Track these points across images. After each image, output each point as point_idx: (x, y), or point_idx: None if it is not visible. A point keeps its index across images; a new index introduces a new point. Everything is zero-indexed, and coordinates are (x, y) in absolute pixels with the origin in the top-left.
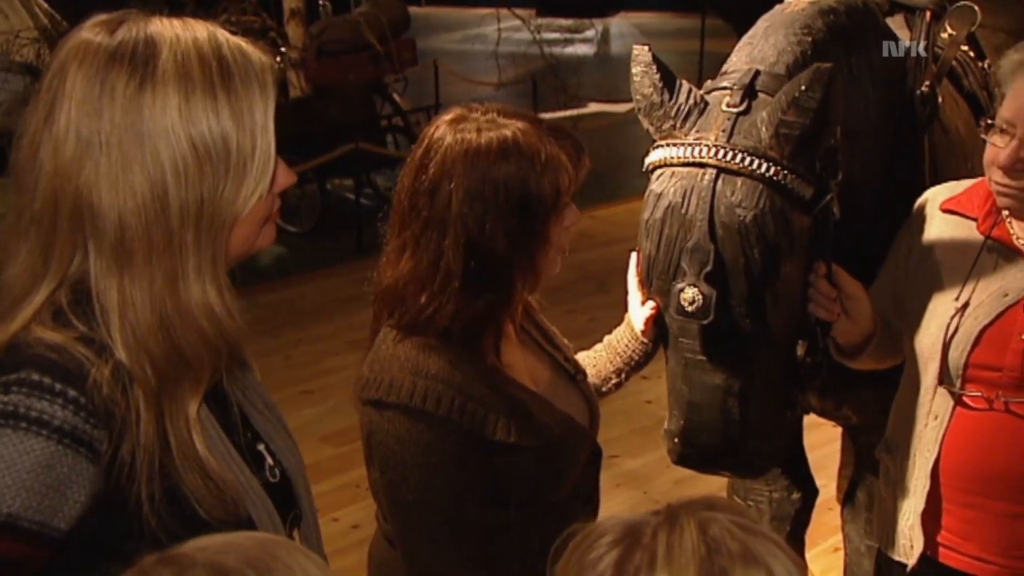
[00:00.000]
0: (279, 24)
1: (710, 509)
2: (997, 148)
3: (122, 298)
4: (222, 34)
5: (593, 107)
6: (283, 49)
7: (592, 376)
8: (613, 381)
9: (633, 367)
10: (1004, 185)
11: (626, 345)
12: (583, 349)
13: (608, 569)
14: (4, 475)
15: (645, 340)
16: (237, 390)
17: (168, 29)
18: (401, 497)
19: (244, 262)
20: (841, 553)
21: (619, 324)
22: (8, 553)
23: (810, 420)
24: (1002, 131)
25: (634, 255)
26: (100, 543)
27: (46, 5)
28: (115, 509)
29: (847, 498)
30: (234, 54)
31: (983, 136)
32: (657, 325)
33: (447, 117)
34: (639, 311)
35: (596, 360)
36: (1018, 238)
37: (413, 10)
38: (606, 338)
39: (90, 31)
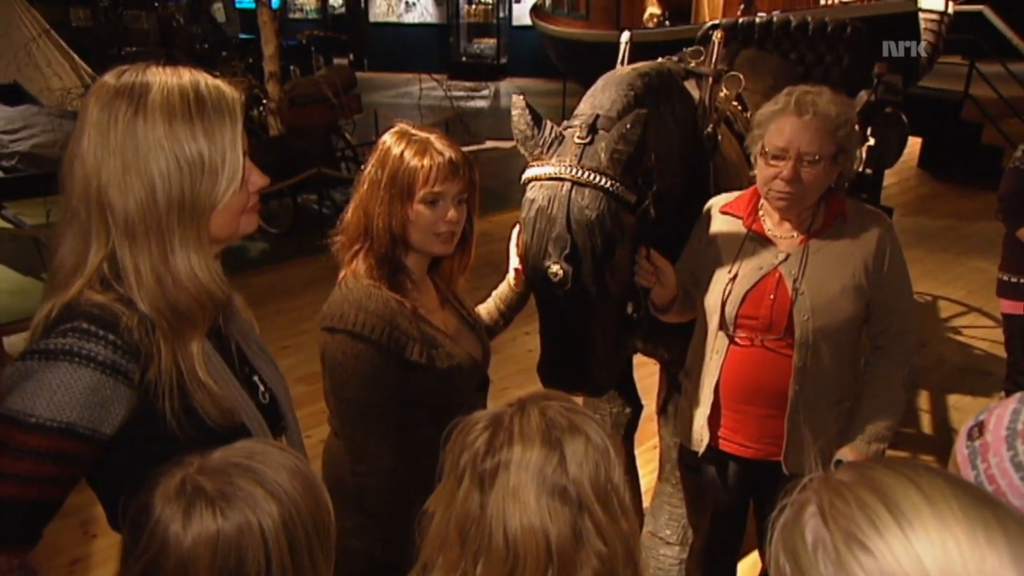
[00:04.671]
0: (261, 83)
1: (547, 399)
2: (777, 168)
3: (134, 266)
4: (203, 77)
5: (489, 143)
6: (264, 101)
7: (487, 319)
8: (502, 320)
9: (511, 309)
10: (786, 192)
11: (505, 294)
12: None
13: (482, 445)
14: (64, 394)
15: (515, 289)
16: (236, 335)
17: (160, 74)
18: (343, 396)
19: (238, 255)
20: (658, 449)
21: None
22: (68, 450)
23: (640, 360)
24: (776, 157)
25: (515, 234)
26: (138, 445)
27: (89, 69)
28: (147, 420)
29: (661, 411)
30: (210, 91)
31: (760, 162)
32: (525, 280)
33: (394, 130)
34: (514, 271)
35: (488, 307)
36: (769, 230)
37: (359, 74)
38: (494, 292)
39: (108, 77)
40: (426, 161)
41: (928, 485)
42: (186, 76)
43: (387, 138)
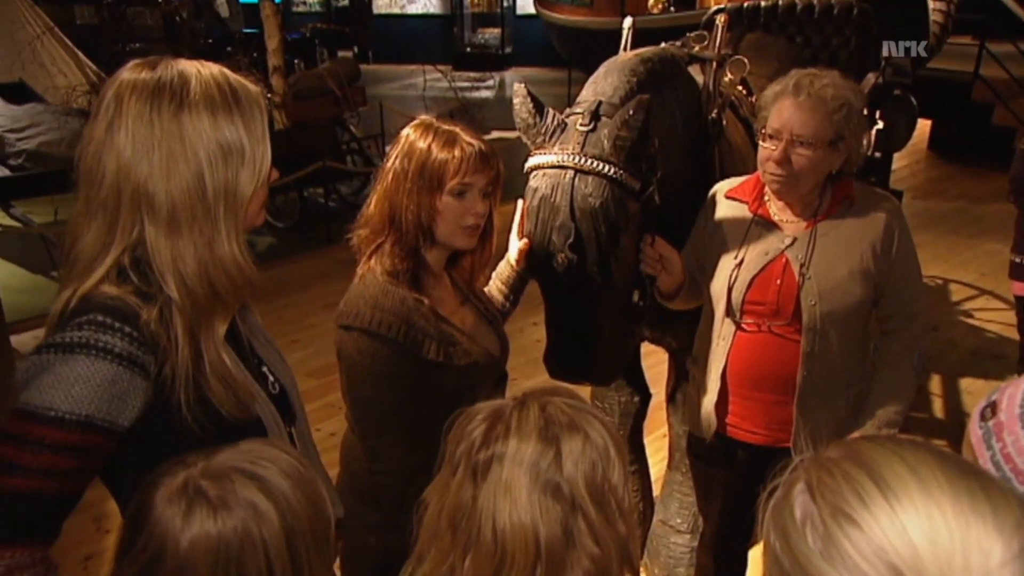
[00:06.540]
0: (265, 77)
1: (550, 395)
2: (771, 149)
3: (174, 254)
4: (227, 71)
5: (495, 134)
6: (269, 95)
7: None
8: (507, 302)
9: (514, 289)
10: (777, 174)
11: (506, 274)
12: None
13: (479, 437)
14: (82, 387)
15: (517, 269)
16: (245, 328)
17: (192, 67)
18: (360, 394)
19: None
20: (667, 437)
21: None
22: (87, 443)
23: (648, 348)
24: (771, 137)
25: (519, 209)
26: (152, 438)
27: (94, 66)
28: (162, 413)
29: (670, 399)
30: (238, 84)
31: (760, 142)
32: (526, 260)
33: (416, 123)
34: (515, 250)
35: (490, 290)
36: (775, 215)
37: (363, 66)
38: (494, 273)
39: (133, 72)
40: (456, 152)
41: (913, 457)
42: (214, 68)
43: (409, 132)
